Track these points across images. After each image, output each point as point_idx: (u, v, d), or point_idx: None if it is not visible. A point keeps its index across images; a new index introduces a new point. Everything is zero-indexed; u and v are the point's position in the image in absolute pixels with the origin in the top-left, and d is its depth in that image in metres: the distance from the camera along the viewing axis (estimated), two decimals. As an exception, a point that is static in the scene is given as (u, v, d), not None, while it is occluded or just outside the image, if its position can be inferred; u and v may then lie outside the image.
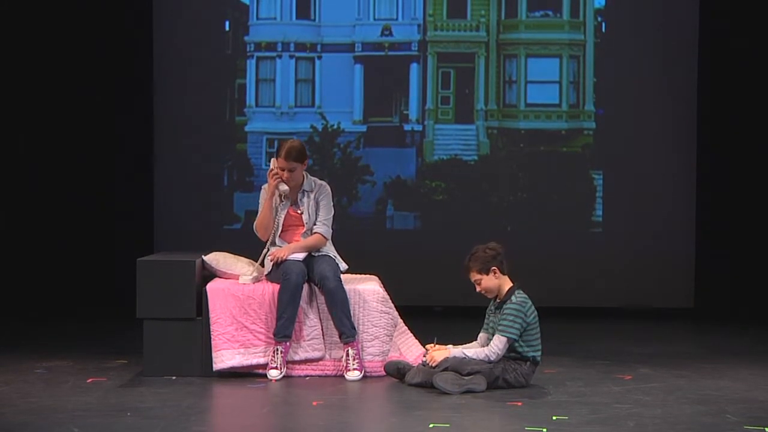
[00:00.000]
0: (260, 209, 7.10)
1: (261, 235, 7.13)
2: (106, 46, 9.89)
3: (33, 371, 6.98)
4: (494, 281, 6.56)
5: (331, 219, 7.13)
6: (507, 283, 6.59)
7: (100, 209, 9.95)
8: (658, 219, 10.08)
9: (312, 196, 7.09)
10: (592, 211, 10.15)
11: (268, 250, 7.13)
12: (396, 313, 7.09)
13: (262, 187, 7.16)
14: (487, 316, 6.71)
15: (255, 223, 7.14)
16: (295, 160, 6.99)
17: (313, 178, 7.18)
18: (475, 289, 6.62)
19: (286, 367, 6.85)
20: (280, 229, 7.08)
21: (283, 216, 7.09)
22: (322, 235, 7.07)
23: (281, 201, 7.07)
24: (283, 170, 6.99)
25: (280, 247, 7.04)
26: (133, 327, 7.17)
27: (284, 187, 7.01)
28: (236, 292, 6.92)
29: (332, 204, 7.16)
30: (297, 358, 6.90)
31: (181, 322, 6.88)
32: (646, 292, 10.04)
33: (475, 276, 6.57)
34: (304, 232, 7.08)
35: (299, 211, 7.08)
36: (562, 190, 10.14)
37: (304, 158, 7.06)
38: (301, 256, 6.96)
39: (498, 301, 6.62)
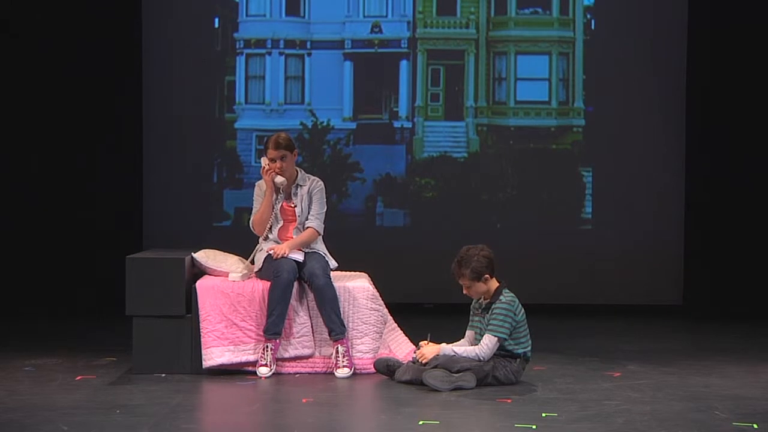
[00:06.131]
0: (255, 206, 7.10)
1: (258, 231, 7.11)
2: (95, 43, 9.85)
3: (21, 369, 6.97)
4: (484, 287, 6.56)
5: (324, 214, 7.12)
6: (494, 284, 6.59)
7: (89, 206, 9.91)
8: (648, 216, 10.09)
9: (306, 190, 7.09)
10: (582, 208, 10.15)
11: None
12: (386, 310, 7.09)
13: (257, 183, 7.15)
14: (471, 313, 6.71)
15: (252, 219, 7.11)
16: (285, 148, 7.00)
17: (307, 174, 7.18)
18: (462, 290, 6.61)
19: (276, 365, 6.84)
20: (281, 223, 7.07)
21: (278, 210, 7.08)
22: (315, 229, 7.06)
23: (277, 196, 7.07)
24: (274, 161, 6.99)
25: (276, 242, 7.03)
26: (123, 324, 7.16)
27: (280, 179, 7.00)
28: (226, 290, 6.91)
29: (325, 200, 7.16)
30: (287, 355, 6.89)
31: (170, 320, 6.87)
32: (636, 289, 10.05)
33: (465, 282, 6.56)
34: (296, 226, 7.08)
35: (293, 205, 7.08)
36: (551, 187, 10.14)
37: (292, 147, 7.06)
38: (299, 254, 6.94)
39: (484, 300, 6.62)
